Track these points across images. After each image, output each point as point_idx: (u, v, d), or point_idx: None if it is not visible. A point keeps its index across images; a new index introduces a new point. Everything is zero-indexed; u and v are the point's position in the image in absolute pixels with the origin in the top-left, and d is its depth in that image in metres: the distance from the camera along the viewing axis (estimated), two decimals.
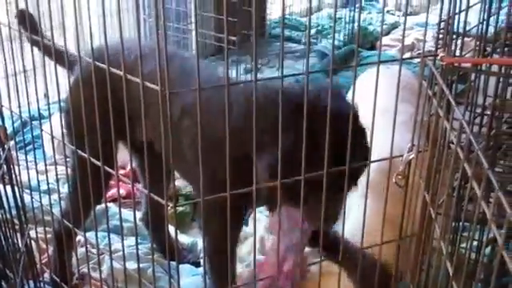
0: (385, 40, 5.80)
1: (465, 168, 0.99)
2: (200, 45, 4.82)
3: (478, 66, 1.36)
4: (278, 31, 5.73)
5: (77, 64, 1.83)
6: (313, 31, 5.91)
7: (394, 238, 1.51)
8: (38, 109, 1.95)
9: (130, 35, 3.99)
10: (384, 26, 6.17)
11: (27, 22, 1.73)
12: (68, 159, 2.09)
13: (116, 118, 1.39)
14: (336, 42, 5.55)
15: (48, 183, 1.91)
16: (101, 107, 1.39)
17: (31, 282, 1.89)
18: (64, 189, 2.62)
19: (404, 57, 4.95)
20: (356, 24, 5.51)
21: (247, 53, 4.20)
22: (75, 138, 1.63)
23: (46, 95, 1.71)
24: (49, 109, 1.81)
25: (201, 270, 2.51)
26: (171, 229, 2.74)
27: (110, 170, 1.38)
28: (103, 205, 2.83)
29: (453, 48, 1.35)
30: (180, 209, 2.96)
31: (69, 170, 2.11)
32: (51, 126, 1.84)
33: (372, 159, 1.42)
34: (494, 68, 1.49)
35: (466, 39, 1.39)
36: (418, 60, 1.58)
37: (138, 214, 2.86)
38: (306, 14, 6.48)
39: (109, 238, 1.63)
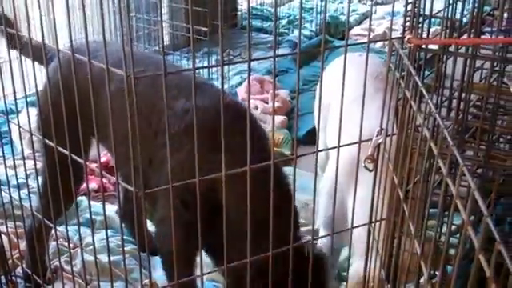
0: (356, 30, 5.84)
1: (431, 149, 1.00)
2: (171, 36, 4.80)
3: (446, 48, 1.37)
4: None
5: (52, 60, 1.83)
6: (284, 21, 5.92)
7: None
8: (5, 103, 1.92)
9: (94, 28, 3.94)
10: (355, 16, 6.20)
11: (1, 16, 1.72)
12: (38, 154, 2.07)
13: (84, 114, 1.38)
14: (308, 32, 5.57)
15: (17, 178, 1.89)
16: (69, 103, 1.38)
17: (3, 278, 1.87)
18: (34, 183, 2.59)
19: (374, 44, 4.98)
20: (328, 14, 5.52)
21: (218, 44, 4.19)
22: (46, 133, 1.61)
23: (14, 90, 1.68)
24: (16, 104, 1.80)
25: None
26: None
27: (79, 159, 1.36)
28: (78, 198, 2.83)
29: (420, 31, 1.35)
30: None
31: (39, 165, 2.09)
32: (18, 122, 1.81)
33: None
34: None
35: (431, 29, 1.40)
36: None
37: (112, 207, 2.84)
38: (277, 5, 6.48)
39: (79, 232, 1.62)
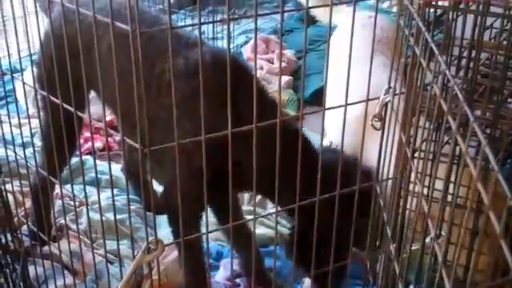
0: None
1: (441, 106, 0.99)
2: None
3: (456, 5, 1.34)
4: None
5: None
6: None
7: None
8: (9, 62, 1.91)
9: None
10: None
11: None
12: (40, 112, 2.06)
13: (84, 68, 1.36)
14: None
15: (22, 137, 1.88)
16: (70, 57, 1.36)
17: (9, 235, 1.88)
18: (39, 142, 2.59)
19: (382, 3, 4.91)
20: None
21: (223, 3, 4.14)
22: (47, 87, 1.59)
23: (18, 49, 1.67)
24: (20, 63, 1.78)
25: None
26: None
27: (82, 115, 1.35)
28: (82, 157, 2.83)
29: None
30: None
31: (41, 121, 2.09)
32: (23, 80, 1.80)
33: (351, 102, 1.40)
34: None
35: None
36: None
37: (118, 166, 2.85)
38: None
39: (84, 190, 1.61)
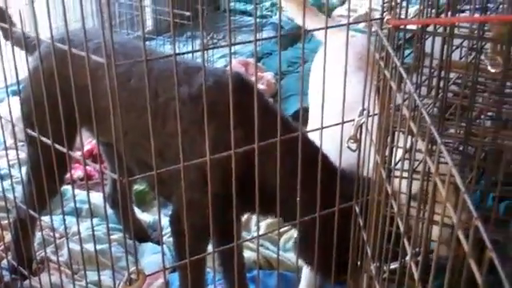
0: (339, 10, 5.82)
1: (411, 128, 1.01)
2: (155, 22, 4.78)
3: (424, 28, 1.37)
4: (232, 5, 5.69)
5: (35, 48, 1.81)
6: (268, 4, 5.89)
7: None
8: None
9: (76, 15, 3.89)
10: None
11: None
12: (20, 144, 2.05)
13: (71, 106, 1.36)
14: (291, 15, 5.54)
15: (0, 169, 1.88)
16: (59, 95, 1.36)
17: None
18: (18, 173, 2.57)
19: (355, 24, 4.97)
20: None
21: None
22: (31, 123, 1.58)
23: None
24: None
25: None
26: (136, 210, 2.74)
27: (62, 148, 1.34)
28: (62, 188, 2.82)
29: (399, 11, 1.36)
30: (140, 187, 2.95)
31: (22, 155, 2.08)
32: None
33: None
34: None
35: (412, 9, 1.40)
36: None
37: (99, 195, 2.83)
38: None
39: (64, 221, 1.61)
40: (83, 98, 1.28)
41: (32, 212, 1.69)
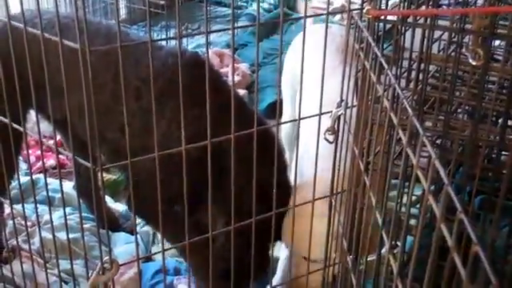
0: (314, 3, 5.81)
1: (391, 119, 1.00)
2: (128, 10, 4.73)
3: (404, 19, 1.36)
4: None
5: None
6: None
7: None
8: None
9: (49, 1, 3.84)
10: None
11: None
12: None
13: (26, 88, 1.34)
14: (266, 6, 5.53)
15: None
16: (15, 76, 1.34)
17: None
18: None
19: (333, 17, 4.97)
20: None
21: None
22: None
23: None
24: None
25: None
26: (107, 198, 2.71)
27: (31, 133, 1.32)
28: (35, 176, 2.77)
29: (378, 3, 1.35)
30: (113, 177, 2.92)
31: None
32: None
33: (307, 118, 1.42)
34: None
35: (391, 1, 1.39)
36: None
37: (71, 184, 2.80)
38: None
39: (36, 210, 1.58)
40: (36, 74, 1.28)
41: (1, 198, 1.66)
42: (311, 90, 1.59)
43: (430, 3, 1.46)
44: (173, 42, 2.37)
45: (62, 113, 1.36)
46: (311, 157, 1.49)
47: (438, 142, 1.68)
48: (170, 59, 1.79)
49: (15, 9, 1.44)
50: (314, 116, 1.38)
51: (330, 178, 1.49)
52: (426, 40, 1.40)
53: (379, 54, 1.07)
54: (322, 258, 1.61)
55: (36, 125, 1.40)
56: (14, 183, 2.35)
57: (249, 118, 1.35)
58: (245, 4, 5.69)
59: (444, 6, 1.93)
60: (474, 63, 1.11)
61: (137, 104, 1.76)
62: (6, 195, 1.71)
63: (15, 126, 1.38)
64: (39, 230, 1.64)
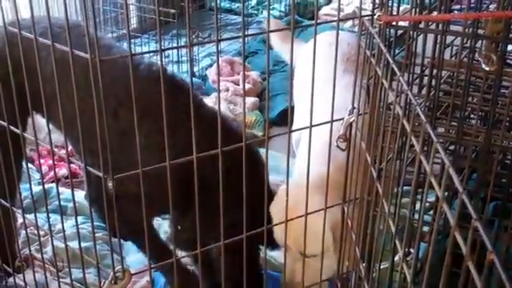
0: (325, 10, 5.81)
1: (404, 126, 0.99)
2: (139, 19, 4.74)
3: (416, 25, 1.35)
4: (218, 3, 5.65)
5: None
6: (253, 2, 5.87)
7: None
8: None
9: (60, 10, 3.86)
10: None
11: None
12: None
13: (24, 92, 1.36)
14: (277, 13, 5.54)
15: None
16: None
17: None
18: None
19: (344, 23, 4.97)
20: None
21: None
22: None
23: None
24: None
25: None
26: None
27: (42, 143, 1.32)
28: (47, 185, 2.78)
29: (389, 9, 1.34)
30: None
31: None
32: None
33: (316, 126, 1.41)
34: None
35: (401, 7, 1.39)
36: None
37: (83, 194, 2.80)
38: None
39: (48, 219, 1.58)
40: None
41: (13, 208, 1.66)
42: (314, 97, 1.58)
43: (442, 8, 1.45)
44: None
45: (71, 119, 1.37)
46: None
47: (451, 148, 1.67)
48: (145, 83, 1.76)
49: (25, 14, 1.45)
50: (326, 123, 1.37)
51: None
52: (438, 45, 1.39)
53: (391, 60, 1.07)
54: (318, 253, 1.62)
55: (48, 135, 1.41)
56: (27, 193, 2.36)
57: (232, 137, 1.35)
58: (255, 12, 5.69)
59: (456, 11, 1.92)
60: (487, 68, 1.10)
61: (114, 122, 1.78)
62: (14, 203, 1.71)
63: (25, 134, 1.39)
64: (51, 239, 1.64)
